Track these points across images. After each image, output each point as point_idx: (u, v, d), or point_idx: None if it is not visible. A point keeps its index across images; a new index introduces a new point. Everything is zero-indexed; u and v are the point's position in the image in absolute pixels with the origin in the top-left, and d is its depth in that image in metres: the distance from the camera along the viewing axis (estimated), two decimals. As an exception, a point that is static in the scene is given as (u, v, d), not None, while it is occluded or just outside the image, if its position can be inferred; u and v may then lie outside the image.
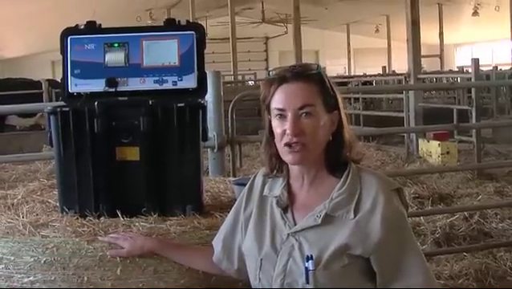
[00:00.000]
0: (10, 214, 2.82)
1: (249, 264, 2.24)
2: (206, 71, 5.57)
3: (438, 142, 10.23)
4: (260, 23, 30.67)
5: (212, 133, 5.03)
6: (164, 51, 2.91)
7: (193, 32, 2.92)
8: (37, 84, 16.27)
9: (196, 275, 2.46)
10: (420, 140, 10.91)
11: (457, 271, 5.28)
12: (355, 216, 2.07)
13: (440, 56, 27.06)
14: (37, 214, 2.81)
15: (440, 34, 27.75)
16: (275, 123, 2.15)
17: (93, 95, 2.86)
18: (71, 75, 2.90)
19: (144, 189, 2.77)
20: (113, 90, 2.88)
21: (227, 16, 24.41)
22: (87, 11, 23.79)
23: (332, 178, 2.17)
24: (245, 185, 2.88)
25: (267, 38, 34.50)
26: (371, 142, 12.57)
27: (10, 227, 2.62)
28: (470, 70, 10.30)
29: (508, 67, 21.61)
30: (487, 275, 5.25)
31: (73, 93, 2.91)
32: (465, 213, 6.72)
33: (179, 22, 3.01)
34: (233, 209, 2.41)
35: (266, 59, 35.42)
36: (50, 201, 3.04)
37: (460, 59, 38.51)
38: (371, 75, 23.68)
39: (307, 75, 2.13)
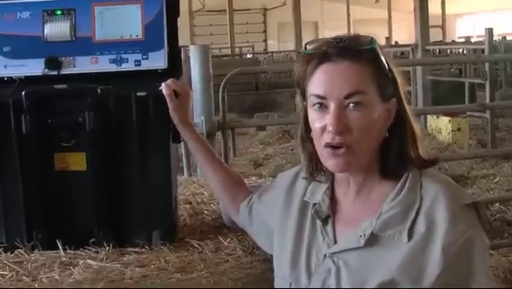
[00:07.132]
0: None
1: (278, 282, 1.75)
2: (194, 46, 4.73)
3: (449, 118, 9.46)
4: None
5: (199, 118, 4.31)
6: (124, 20, 2.24)
7: (161, -6, 2.22)
8: None
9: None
10: (428, 116, 10.07)
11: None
12: (409, 239, 1.56)
13: (443, 27, 26.37)
14: None
15: (443, 3, 27.12)
16: (313, 114, 1.62)
17: (29, 81, 2.17)
18: (-1, 53, 2.21)
19: (94, 209, 2.06)
20: (55, 73, 2.19)
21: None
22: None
23: (386, 185, 1.64)
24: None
25: (265, 10, 33.79)
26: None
27: None
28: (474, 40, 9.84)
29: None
30: (519, 277, 4.58)
31: (3, 78, 2.21)
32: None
33: (142, -20, 2.29)
34: (269, 190, 1.93)
35: (265, 31, 34.66)
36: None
37: (460, 30, 37.88)
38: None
39: (358, 51, 1.59)
